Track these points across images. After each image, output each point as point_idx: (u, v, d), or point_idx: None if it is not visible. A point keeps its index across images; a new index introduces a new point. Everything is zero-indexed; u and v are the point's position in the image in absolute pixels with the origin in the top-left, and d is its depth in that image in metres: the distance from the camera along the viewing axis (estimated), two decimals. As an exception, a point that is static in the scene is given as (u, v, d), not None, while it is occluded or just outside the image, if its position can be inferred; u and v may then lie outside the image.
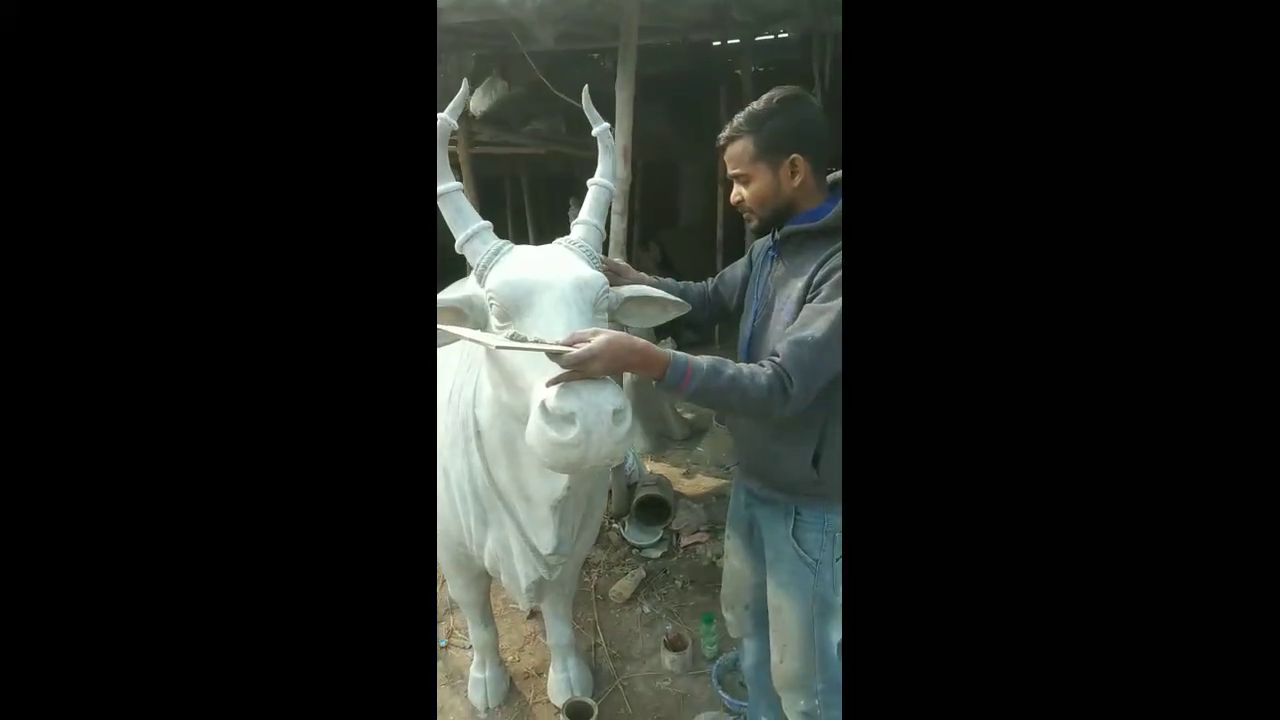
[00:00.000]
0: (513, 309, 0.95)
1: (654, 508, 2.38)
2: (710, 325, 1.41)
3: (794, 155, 1.04)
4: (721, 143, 1.10)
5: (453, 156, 4.01)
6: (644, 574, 2.16)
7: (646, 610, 2.02)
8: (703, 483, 2.72)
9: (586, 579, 2.14)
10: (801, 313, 0.99)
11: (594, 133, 1.19)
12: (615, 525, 2.38)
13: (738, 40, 3.48)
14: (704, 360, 0.94)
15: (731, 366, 0.95)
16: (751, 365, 0.96)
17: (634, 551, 2.28)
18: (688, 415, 3.62)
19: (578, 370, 0.83)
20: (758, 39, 3.57)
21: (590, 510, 1.32)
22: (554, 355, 0.83)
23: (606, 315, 1.04)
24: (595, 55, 4.41)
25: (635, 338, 0.89)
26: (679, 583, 2.14)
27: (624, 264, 1.32)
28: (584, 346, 0.83)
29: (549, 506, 1.11)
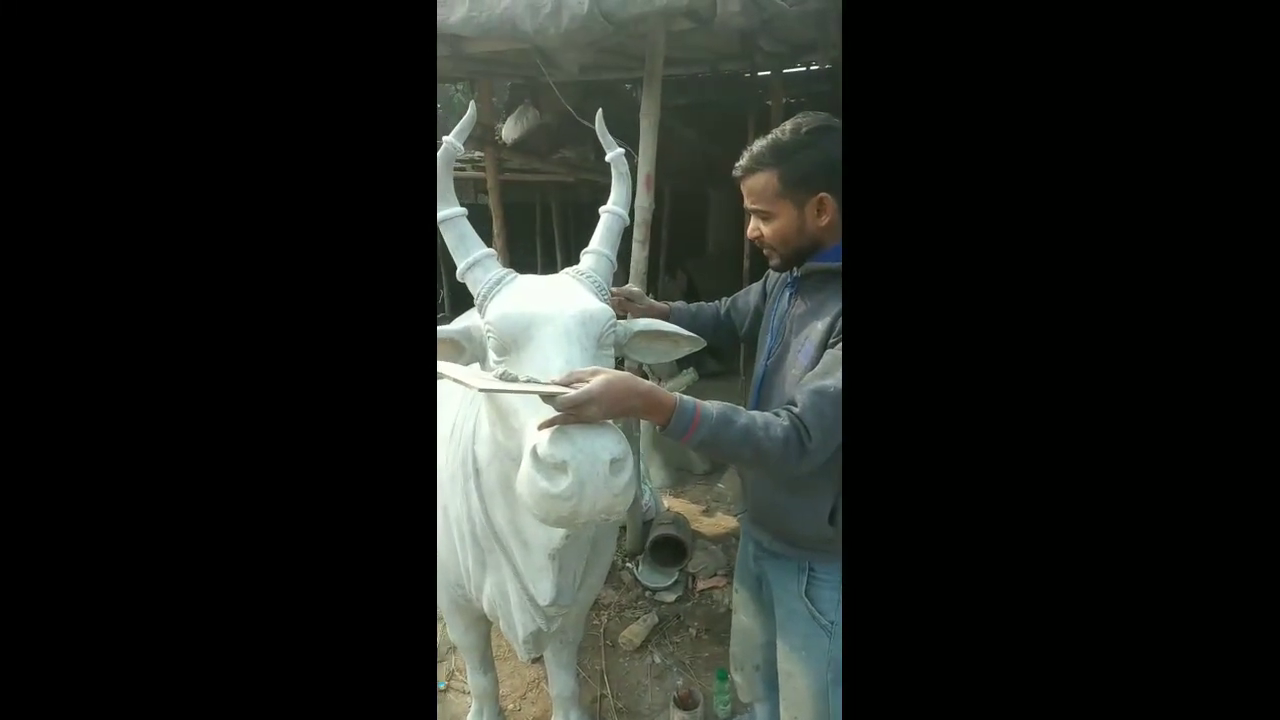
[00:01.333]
0: (510, 343, 0.89)
1: (670, 548, 2.27)
2: (719, 348, 1.34)
3: (822, 194, 0.96)
4: (740, 173, 1.02)
5: (481, 183, 4.05)
6: (656, 619, 2.04)
7: (657, 660, 1.91)
8: (722, 522, 2.61)
9: (596, 621, 2.04)
10: (823, 359, 0.91)
11: (607, 158, 1.14)
12: (629, 564, 2.28)
13: (768, 72, 3.45)
14: (714, 407, 0.85)
15: (744, 415, 0.86)
16: (766, 415, 0.87)
17: (647, 594, 2.18)
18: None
19: (573, 414, 0.76)
20: (787, 70, 3.54)
21: (595, 556, 1.23)
22: (547, 397, 0.76)
23: (612, 351, 0.97)
24: (628, 85, 4.46)
25: (638, 379, 0.82)
26: (693, 631, 2.02)
27: (637, 290, 1.25)
28: (581, 388, 0.76)
29: (547, 554, 1.04)
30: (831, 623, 1.02)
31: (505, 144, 3.95)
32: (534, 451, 0.77)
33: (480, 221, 1.02)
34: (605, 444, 0.76)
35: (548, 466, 0.75)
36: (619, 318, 1.07)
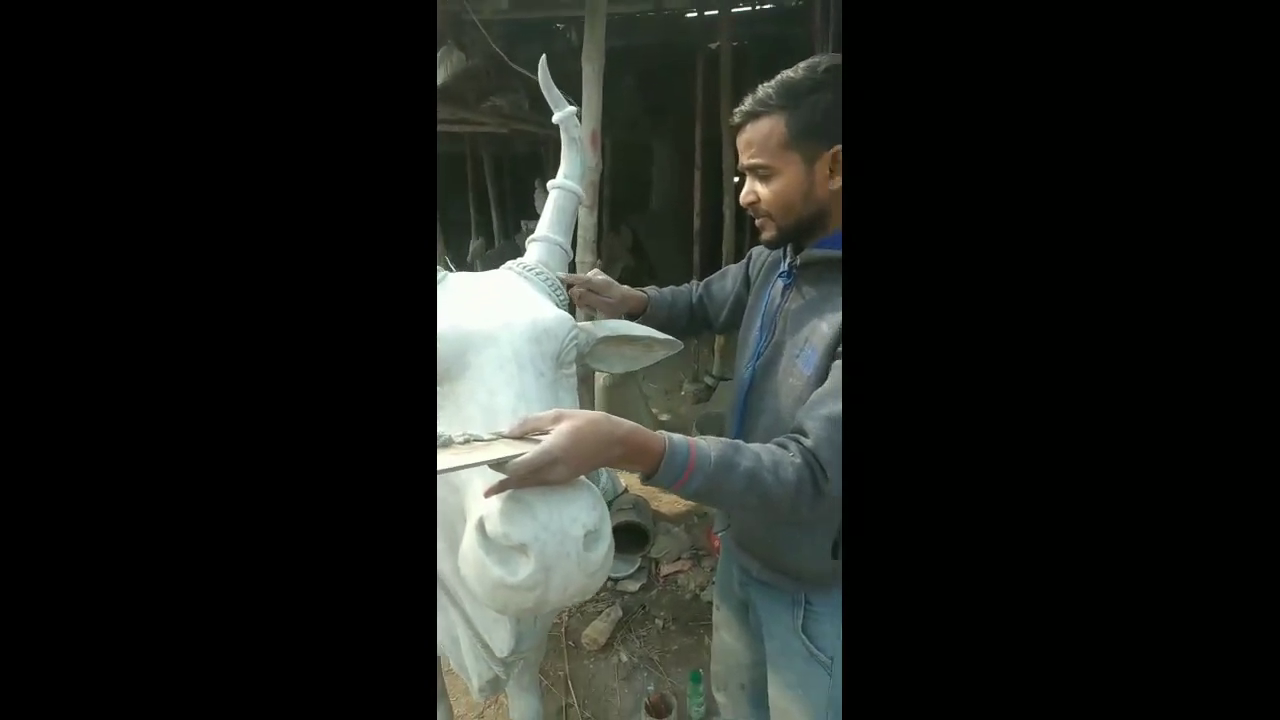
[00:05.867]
0: (443, 372, 0.69)
1: (630, 534, 2.16)
2: (688, 336, 1.17)
3: (837, 148, 0.77)
4: (738, 119, 0.82)
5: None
6: (620, 613, 1.94)
7: (624, 659, 1.81)
8: (682, 502, 2.51)
9: (557, 621, 1.91)
10: (833, 372, 0.75)
11: (555, 119, 0.91)
12: (588, 554, 2.16)
13: (715, 11, 3.19)
14: (712, 448, 0.68)
15: (748, 455, 0.69)
16: (773, 451, 0.71)
17: (608, 584, 2.06)
18: (664, 417, 3.41)
19: (533, 479, 0.58)
20: (736, 10, 3.29)
21: None
22: (497, 465, 0.57)
23: (574, 368, 0.79)
24: (560, 25, 4.07)
25: (615, 420, 0.64)
26: (660, 622, 1.93)
27: (601, 278, 1.05)
28: (539, 447, 0.58)
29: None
30: (831, 659, 0.91)
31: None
32: (480, 527, 0.59)
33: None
34: (575, 513, 0.58)
35: (501, 548, 0.58)
36: (585, 316, 0.88)
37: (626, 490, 2.55)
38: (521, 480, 0.57)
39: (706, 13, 3.43)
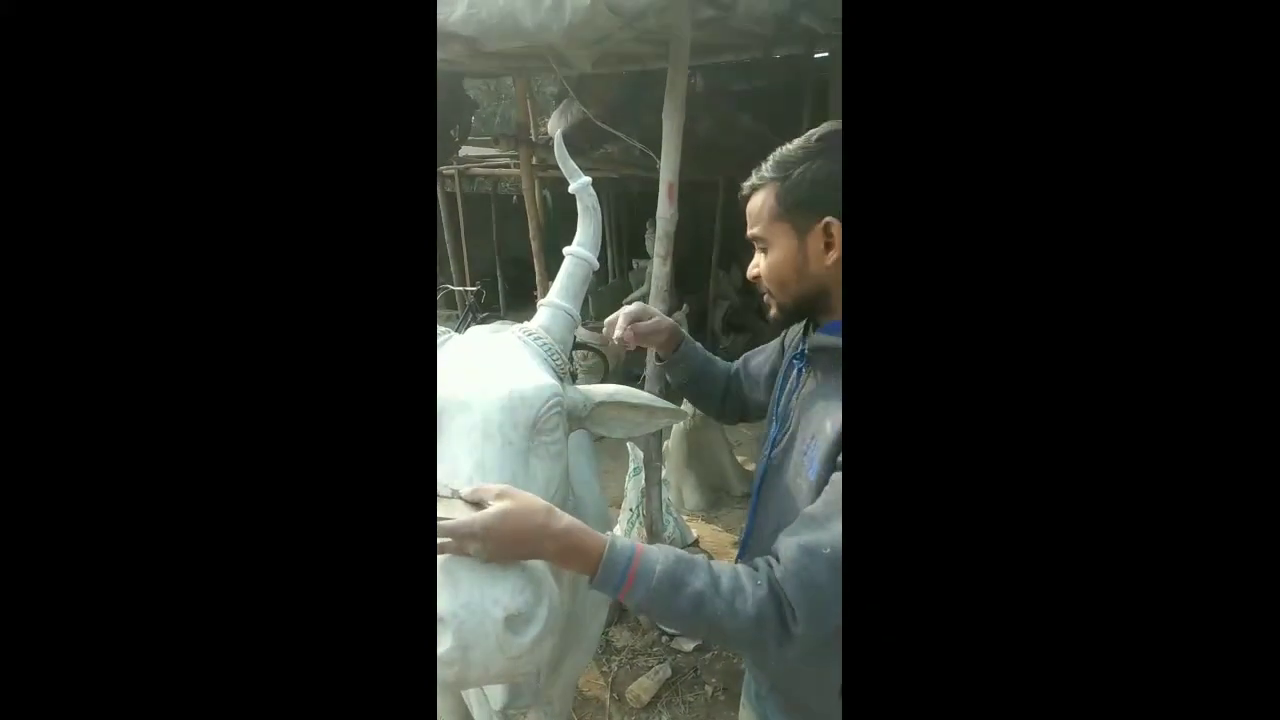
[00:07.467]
0: None
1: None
2: (722, 418, 1.12)
3: (827, 219, 0.72)
4: (745, 191, 0.81)
5: (516, 181, 3.95)
6: (669, 673, 1.87)
7: (665, 723, 1.74)
8: (754, 558, 2.39)
9: (605, 669, 1.89)
10: (826, 490, 0.66)
11: (571, 189, 0.95)
12: (646, 604, 2.11)
13: (827, 54, 3.13)
14: (661, 561, 0.62)
15: (701, 576, 0.62)
16: (737, 576, 0.62)
17: (663, 639, 2.01)
18: (751, 466, 3.29)
19: (456, 547, 0.59)
20: (851, 50, 3.21)
21: (577, 632, 1.07)
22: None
23: (558, 435, 0.79)
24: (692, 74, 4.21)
25: (554, 515, 0.62)
26: (709, 690, 1.84)
27: (635, 308, 1.02)
28: (469, 517, 0.59)
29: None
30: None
31: (546, 140, 3.82)
32: (413, 594, 0.61)
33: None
34: (498, 594, 0.58)
35: (425, 619, 0.59)
36: (594, 356, 0.86)
37: (698, 541, 2.48)
38: (443, 545, 0.58)
39: (818, 55, 3.38)
